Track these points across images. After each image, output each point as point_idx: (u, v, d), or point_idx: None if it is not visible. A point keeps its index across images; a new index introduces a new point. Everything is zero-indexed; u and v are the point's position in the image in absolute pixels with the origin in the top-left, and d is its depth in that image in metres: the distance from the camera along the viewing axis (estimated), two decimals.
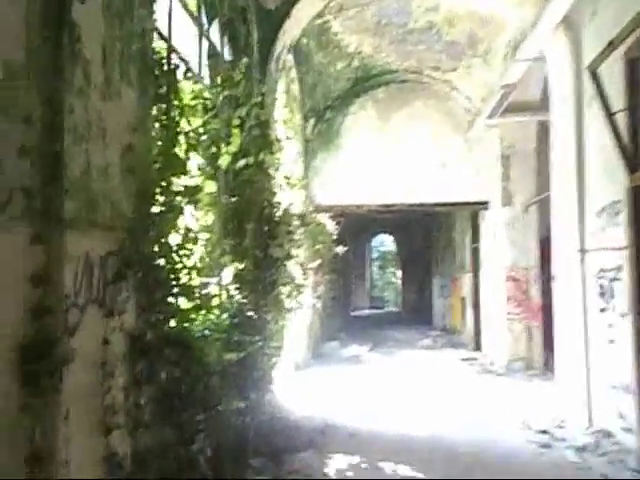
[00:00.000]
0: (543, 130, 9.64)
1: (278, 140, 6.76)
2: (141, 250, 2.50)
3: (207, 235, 5.39)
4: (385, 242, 33.52)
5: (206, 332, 4.12)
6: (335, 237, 13.72)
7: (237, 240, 5.63)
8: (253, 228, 5.79)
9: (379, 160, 10.63)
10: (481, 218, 11.24)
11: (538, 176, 9.67)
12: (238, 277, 5.47)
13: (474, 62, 9.59)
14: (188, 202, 3.20)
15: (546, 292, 9.71)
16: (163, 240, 2.91)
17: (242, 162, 4.84)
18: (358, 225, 24.88)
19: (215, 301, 5.15)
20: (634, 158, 4.60)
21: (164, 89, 3.26)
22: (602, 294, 5.26)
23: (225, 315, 4.96)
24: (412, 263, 25.41)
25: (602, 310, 5.24)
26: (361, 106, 10.74)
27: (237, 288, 5.39)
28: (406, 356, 11.54)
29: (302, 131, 10.01)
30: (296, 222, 6.67)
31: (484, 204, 10.40)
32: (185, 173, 3.15)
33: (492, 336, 10.30)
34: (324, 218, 12.39)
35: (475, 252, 12.15)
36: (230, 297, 5.30)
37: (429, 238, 20.62)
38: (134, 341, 2.50)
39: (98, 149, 2.27)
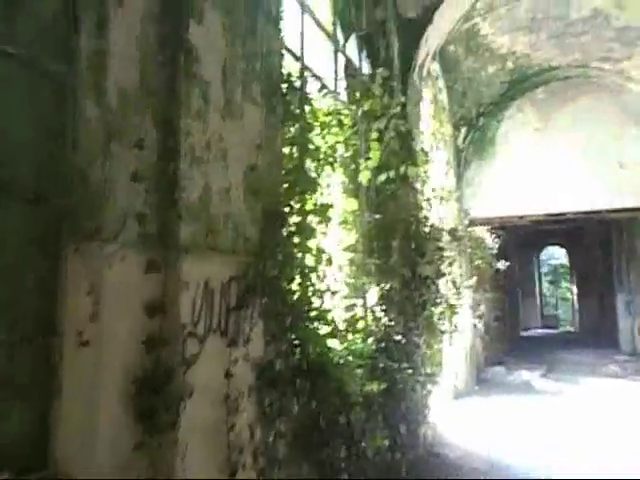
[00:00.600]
0: None
1: (424, 152, 6.41)
2: (268, 274, 2.37)
3: (350, 255, 5.23)
4: (556, 255, 30.66)
5: (349, 359, 3.89)
6: (496, 252, 12.81)
7: (383, 259, 5.38)
8: (399, 245, 5.50)
9: (542, 165, 9.64)
10: None
11: None
12: (384, 298, 5.20)
13: None
14: (320, 221, 3.03)
15: None
16: (294, 262, 2.76)
17: (383, 176, 4.58)
18: (523, 238, 23.09)
19: (360, 325, 4.94)
20: None
21: (294, 107, 3.15)
22: None
23: (370, 340, 4.70)
24: (588, 277, 22.75)
25: None
26: (518, 109, 9.87)
27: (383, 310, 5.12)
28: (587, 385, 10.14)
29: (453, 141, 9.49)
30: (447, 237, 6.20)
31: None
32: (315, 191, 3.00)
33: None
34: (482, 232, 11.63)
35: None
36: (376, 320, 5.04)
37: (607, 248, 18.24)
38: (261, 372, 2.36)
39: (218, 170, 2.20)
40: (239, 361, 2.22)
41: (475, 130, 9.86)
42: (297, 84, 3.20)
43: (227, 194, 2.24)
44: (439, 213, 8.07)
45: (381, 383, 3.93)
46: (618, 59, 8.74)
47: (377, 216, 5.31)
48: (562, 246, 27.46)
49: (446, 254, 5.95)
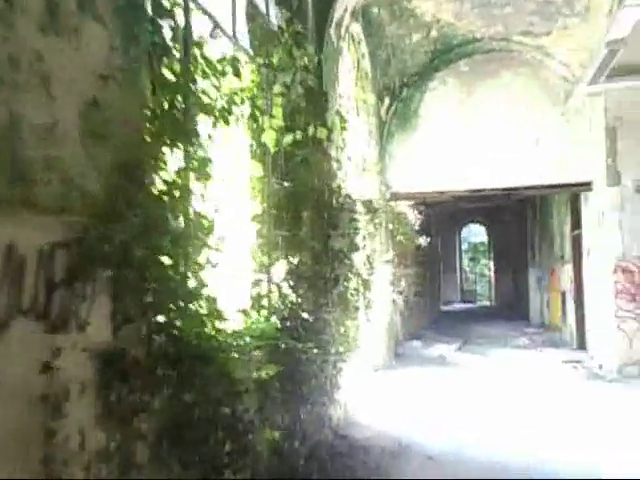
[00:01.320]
0: None
1: (341, 117, 6.02)
2: (116, 240, 1.88)
3: (257, 226, 4.78)
4: (476, 232, 31.69)
5: (246, 340, 3.48)
6: (418, 228, 12.79)
7: (292, 231, 4.97)
8: (310, 216, 5.11)
9: (464, 140, 9.55)
10: (582, 201, 9.79)
11: None
12: (293, 273, 4.81)
13: (571, 22, 8.26)
14: (198, 179, 2.56)
15: None
16: (165, 227, 2.27)
17: (289, 138, 4.14)
18: (446, 215, 23.57)
19: (266, 302, 4.53)
20: None
21: (173, 44, 2.62)
22: None
23: (274, 318, 4.31)
24: (505, 254, 23.67)
25: None
26: (441, 81, 9.69)
27: (291, 286, 4.73)
28: (499, 356, 10.39)
29: (376, 112, 9.18)
30: (363, 209, 5.89)
31: (586, 185, 9.00)
32: (191, 143, 2.52)
33: (599, 335, 8.91)
34: (405, 207, 11.52)
35: (576, 240, 10.68)
36: (282, 296, 4.65)
37: (524, 227, 18.92)
38: (107, 362, 1.89)
39: (36, 100, 1.67)
40: (66, 350, 1.75)
41: (399, 101, 9.60)
42: (177, 16, 2.68)
43: (51, 133, 1.72)
44: (359, 185, 7.77)
45: (279, 366, 3.55)
46: (538, 34, 8.71)
47: (286, 184, 4.88)
48: (482, 224, 28.38)
49: (361, 227, 5.64)
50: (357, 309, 5.93)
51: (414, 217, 12.18)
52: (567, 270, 11.69)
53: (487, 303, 27.54)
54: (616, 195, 8.26)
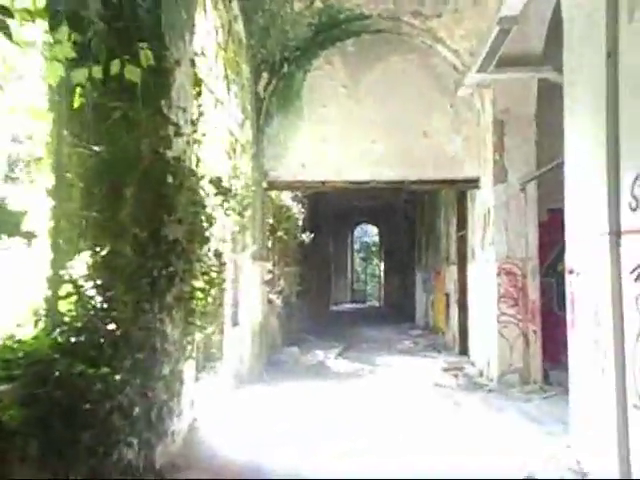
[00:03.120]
0: (545, 91, 7.83)
1: (195, 76, 4.83)
2: None
3: (51, 202, 3.48)
4: (369, 232, 31.76)
5: None
6: (302, 223, 11.88)
7: (106, 212, 3.72)
8: (135, 195, 3.88)
9: (349, 128, 8.75)
10: (470, 200, 9.41)
11: (538, 147, 7.86)
12: (101, 268, 3.56)
13: (463, 5, 7.69)
14: None
15: (544, 289, 7.96)
16: None
17: (80, 74, 2.89)
18: (339, 213, 23.06)
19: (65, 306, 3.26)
20: None
21: None
22: None
23: (58, 331, 3.04)
24: (395, 254, 23.66)
25: None
26: (327, 61, 8.81)
27: (97, 286, 3.48)
28: (379, 363, 9.71)
29: (252, 87, 8.07)
30: (214, 190, 4.75)
31: (474, 181, 8.56)
32: None
33: (481, 340, 8.50)
34: (288, 200, 10.54)
35: (461, 240, 10.32)
36: (82, 299, 3.38)
37: (413, 227, 18.81)
38: None
39: None
40: None
41: (279, 78, 8.57)
42: None
43: None
44: (226, 169, 6.62)
45: (28, 407, 2.33)
46: (429, 16, 8.09)
47: (97, 148, 3.61)
48: (375, 224, 28.37)
49: (208, 211, 4.49)
50: (204, 314, 4.77)
51: (298, 211, 11.26)
52: (452, 272, 11.37)
53: (377, 304, 27.55)
54: (502, 193, 7.83)
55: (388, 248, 25.31)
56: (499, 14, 6.10)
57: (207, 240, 4.57)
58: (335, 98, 8.79)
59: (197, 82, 5.03)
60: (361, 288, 30.59)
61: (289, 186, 9.09)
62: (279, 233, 10.36)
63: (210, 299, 4.87)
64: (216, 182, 4.74)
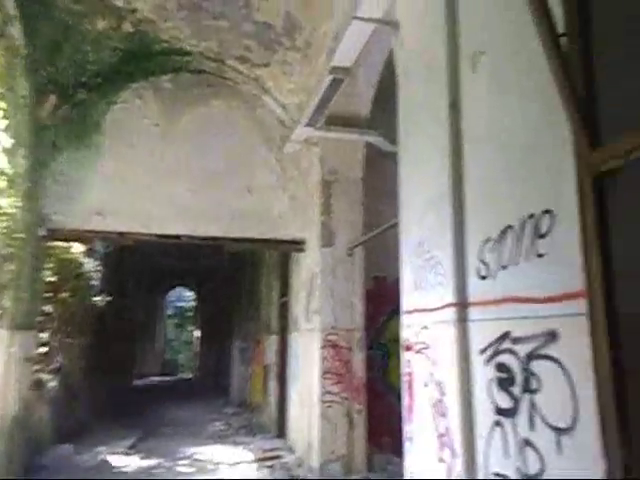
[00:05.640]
0: (371, 156, 7.60)
1: None
2: None
3: None
4: (186, 296, 29.68)
5: None
6: (98, 283, 10.00)
7: None
8: None
9: (161, 174, 7.54)
10: (294, 264, 8.66)
11: (365, 211, 7.48)
12: None
13: (292, 57, 7.23)
14: None
15: (370, 363, 7.35)
16: None
17: None
18: (151, 274, 20.93)
19: None
20: (592, 124, 2.20)
21: None
22: (505, 383, 2.72)
23: None
24: (213, 322, 22.07)
25: (504, 412, 2.68)
26: (137, 94, 7.59)
27: None
28: (182, 455, 8.09)
29: (30, 108, 6.42)
30: None
31: (300, 244, 7.84)
32: None
33: (300, 422, 7.49)
34: (77, 251, 8.72)
35: (284, 308, 9.46)
36: None
37: (234, 292, 17.62)
38: None
39: None
40: None
41: (73, 105, 7.05)
42: None
43: None
44: None
45: None
46: (256, 63, 7.43)
47: None
48: (192, 288, 26.56)
49: None
50: None
51: (93, 268, 9.42)
52: (273, 342, 10.39)
53: (190, 375, 25.30)
54: (329, 257, 7.18)
55: (206, 314, 23.66)
56: (331, 63, 5.61)
57: None
58: (146, 138, 7.54)
59: None
60: (173, 358, 28.03)
61: (79, 236, 7.38)
62: (63, 294, 8.40)
63: None
64: None
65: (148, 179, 7.46)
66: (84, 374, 9.75)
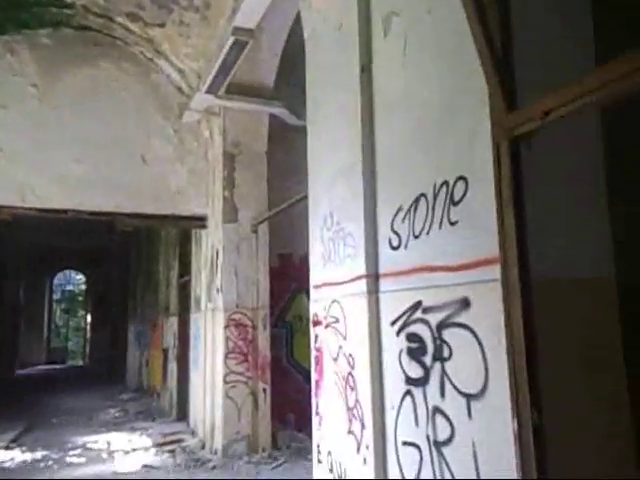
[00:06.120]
0: (275, 129, 7.38)
1: None
2: None
3: None
4: (74, 279, 27.76)
5: None
6: None
7: None
8: None
9: (41, 140, 6.78)
10: (195, 241, 8.27)
11: (270, 188, 7.27)
12: None
13: (189, 18, 6.72)
14: None
15: (275, 341, 7.24)
16: None
17: None
18: (35, 255, 19.23)
19: None
20: (509, 86, 2.19)
21: None
22: (415, 353, 2.70)
23: None
24: (105, 305, 20.84)
25: (414, 382, 2.67)
26: (8, 49, 6.72)
27: None
28: (73, 444, 7.52)
29: None
30: None
31: (200, 220, 7.47)
32: None
33: (203, 404, 7.23)
34: None
35: (184, 288, 9.06)
36: None
37: (128, 273, 16.68)
38: None
39: None
40: None
41: None
42: None
43: None
44: None
45: None
46: (149, 22, 6.85)
47: None
48: (81, 270, 24.87)
49: None
50: None
51: None
52: (172, 324, 9.93)
53: (81, 363, 23.79)
54: (233, 234, 6.90)
55: (97, 298, 22.27)
56: (233, 24, 5.29)
57: None
58: (21, 99, 6.72)
59: None
60: (62, 345, 26.17)
61: None
62: None
63: None
64: None
65: (25, 146, 6.67)
66: None
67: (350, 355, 3.25)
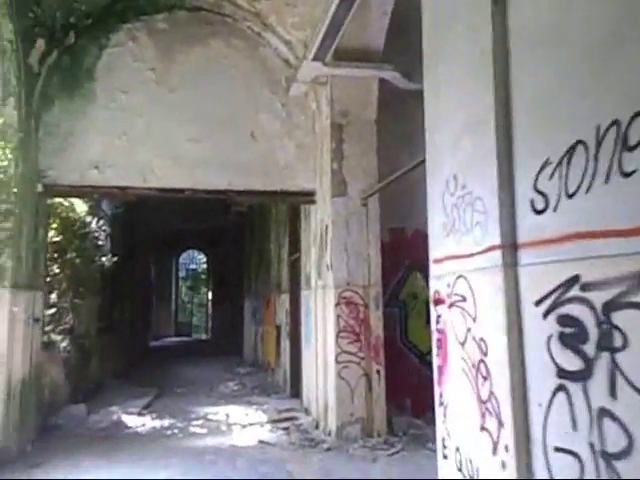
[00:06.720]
0: (385, 96, 6.93)
1: None
2: None
3: None
4: (198, 259, 29.46)
5: None
6: (104, 242, 9.59)
7: None
8: None
9: (159, 122, 6.95)
10: (304, 218, 8.13)
11: (379, 158, 6.86)
12: None
13: None
14: None
15: (386, 320, 6.86)
16: None
17: None
18: (163, 237, 20.58)
19: None
20: None
21: None
22: (571, 340, 2.18)
23: None
24: (224, 283, 21.83)
25: (570, 376, 2.16)
26: (130, 36, 6.93)
27: None
28: (195, 415, 7.81)
29: (19, 53, 5.82)
30: None
31: (309, 195, 7.28)
32: None
33: (316, 383, 7.11)
34: (79, 208, 8.29)
35: (294, 265, 9.00)
36: None
37: (243, 252, 17.23)
38: None
39: None
40: None
41: (63, 50, 6.44)
42: None
43: None
44: None
45: None
46: None
47: None
48: (203, 250, 26.28)
49: None
50: None
51: (98, 228, 8.99)
52: (284, 301, 9.98)
53: (204, 336, 25.26)
54: (341, 208, 6.63)
55: (217, 276, 23.40)
56: None
57: None
58: (141, 83, 6.92)
59: None
60: (186, 320, 27.98)
61: (75, 192, 6.88)
62: (69, 255, 7.99)
63: None
64: None
65: (146, 128, 6.88)
66: (97, 335, 9.49)
67: (482, 339, 2.81)
